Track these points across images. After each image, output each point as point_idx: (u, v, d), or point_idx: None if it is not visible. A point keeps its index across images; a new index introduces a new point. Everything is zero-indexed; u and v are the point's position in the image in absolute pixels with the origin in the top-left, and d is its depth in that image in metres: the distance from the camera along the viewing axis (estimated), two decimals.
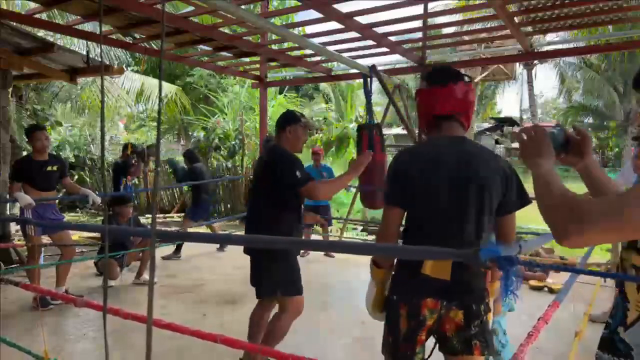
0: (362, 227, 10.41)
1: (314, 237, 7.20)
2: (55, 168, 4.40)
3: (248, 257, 3.23)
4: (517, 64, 14.60)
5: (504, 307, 2.55)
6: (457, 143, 1.73)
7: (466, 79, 1.76)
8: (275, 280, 2.79)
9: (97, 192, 4.90)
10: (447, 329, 1.65)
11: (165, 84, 11.75)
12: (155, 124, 16.14)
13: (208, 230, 7.39)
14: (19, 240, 6.23)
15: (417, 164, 1.73)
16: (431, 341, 1.74)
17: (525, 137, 1.17)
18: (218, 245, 6.92)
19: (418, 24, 5.03)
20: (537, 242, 2.29)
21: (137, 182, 10.25)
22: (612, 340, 1.60)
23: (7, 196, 4.54)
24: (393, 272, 1.80)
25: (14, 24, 4.60)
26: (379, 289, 1.82)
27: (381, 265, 1.82)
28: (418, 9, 4.90)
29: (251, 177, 3.19)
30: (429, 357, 1.72)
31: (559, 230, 0.93)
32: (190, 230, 6.82)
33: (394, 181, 1.76)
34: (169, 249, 6.65)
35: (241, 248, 2.94)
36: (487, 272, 1.76)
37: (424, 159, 1.73)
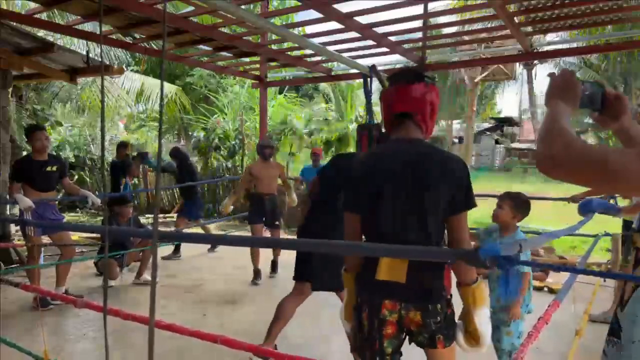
0: None
1: None
2: (55, 168, 4.40)
3: (248, 257, 3.26)
4: (517, 64, 14.61)
5: (522, 310, 2.65)
6: (406, 144, 1.75)
7: (427, 80, 1.77)
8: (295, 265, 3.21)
9: (97, 193, 4.90)
10: (410, 327, 1.72)
11: (165, 84, 11.75)
12: (155, 123, 16.14)
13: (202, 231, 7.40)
14: (19, 240, 6.23)
15: (367, 167, 1.78)
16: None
17: (557, 77, 1.14)
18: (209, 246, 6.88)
19: (418, 24, 5.03)
20: (537, 241, 2.30)
21: (137, 182, 10.25)
22: (612, 324, 1.65)
23: (7, 197, 4.53)
24: (357, 274, 1.84)
25: (14, 24, 4.60)
26: (349, 296, 1.88)
27: (349, 269, 1.87)
28: (418, 9, 4.90)
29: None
30: (397, 347, 1.77)
31: (545, 154, 0.92)
32: (186, 229, 6.85)
33: (348, 186, 1.84)
34: (169, 249, 6.65)
35: (240, 248, 2.94)
36: (447, 272, 1.77)
37: (373, 162, 1.79)
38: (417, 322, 1.69)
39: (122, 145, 7.02)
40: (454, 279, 1.79)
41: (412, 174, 1.69)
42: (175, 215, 10.57)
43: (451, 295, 1.80)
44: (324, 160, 7.98)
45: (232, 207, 5.74)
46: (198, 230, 7.23)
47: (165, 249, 6.63)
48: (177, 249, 6.58)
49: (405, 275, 1.66)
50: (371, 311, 1.72)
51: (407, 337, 1.78)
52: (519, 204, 2.71)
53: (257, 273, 5.42)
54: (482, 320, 1.72)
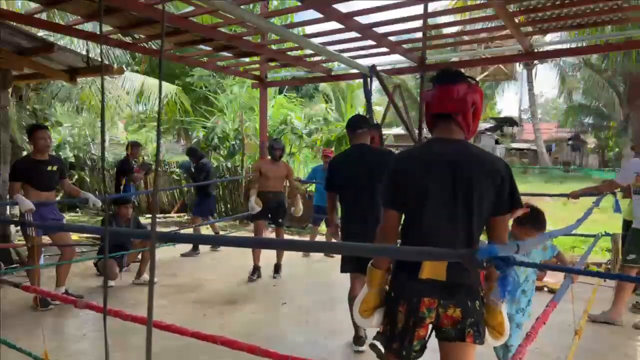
0: None
1: (318, 237, 7.22)
2: (55, 168, 4.40)
3: (248, 258, 3.26)
4: (517, 64, 14.60)
5: (519, 318, 2.65)
6: (449, 144, 1.77)
7: (470, 80, 1.79)
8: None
9: (96, 193, 4.90)
10: (444, 324, 1.73)
11: (165, 84, 11.74)
12: (155, 123, 16.14)
13: (209, 229, 7.44)
14: (19, 241, 6.23)
15: (410, 166, 1.80)
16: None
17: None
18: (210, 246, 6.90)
19: (418, 24, 5.02)
20: (535, 242, 2.30)
21: (138, 187, 10.28)
22: None
23: (8, 197, 4.51)
24: (391, 274, 1.86)
25: (14, 24, 4.59)
26: (373, 292, 1.87)
27: (379, 266, 1.86)
28: (418, 9, 4.90)
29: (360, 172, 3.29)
30: (424, 345, 1.80)
31: None
32: (183, 230, 6.93)
33: (389, 184, 1.82)
34: (170, 248, 6.65)
35: (241, 248, 2.94)
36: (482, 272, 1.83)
37: (416, 162, 1.80)
38: (455, 319, 1.71)
39: (136, 145, 7.21)
40: None
41: (456, 174, 1.71)
42: (175, 215, 10.61)
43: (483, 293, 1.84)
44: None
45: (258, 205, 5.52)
46: (205, 228, 7.29)
47: (168, 249, 6.64)
48: (195, 247, 6.66)
49: (445, 273, 1.69)
50: (409, 309, 1.73)
51: (434, 332, 1.80)
52: (531, 223, 2.57)
53: (255, 269, 5.48)
54: (505, 314, 1.79)
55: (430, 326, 1.76)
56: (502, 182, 1.72)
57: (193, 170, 7.02)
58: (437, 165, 1.74)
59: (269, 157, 5.64)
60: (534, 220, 2.57)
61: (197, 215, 7.01)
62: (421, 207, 1.74)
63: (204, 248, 6.89)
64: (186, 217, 10.07)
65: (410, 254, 1.57)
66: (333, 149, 12.37)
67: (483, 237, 1.87)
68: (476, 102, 1.78)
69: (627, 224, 4.60)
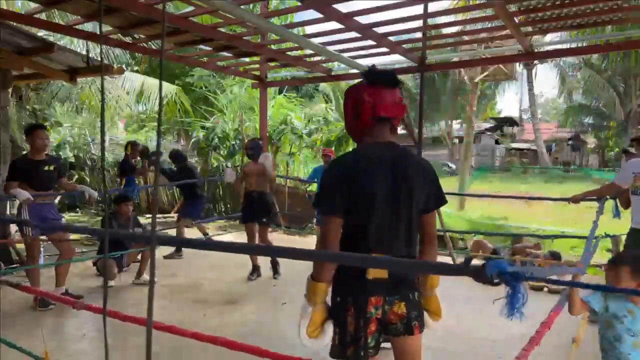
0: None
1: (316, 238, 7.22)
2: (52, 167, 4.39)
3: (248, 258, 3.25)
4: (517, 64, 14.60)
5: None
6: (389, 148, 1.84)
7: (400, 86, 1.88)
8: None
9: (96, 192, 4.90)
10: (391, 319, 1.81)
11: (165, 84, 11.74)
12: (155, 124, 16.14)
13: (209, 229, 7.43)
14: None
15: (354, 171, 1.78)
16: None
17: None
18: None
19: (418, 24, 5.02)
20: (549, 272, 2.26)
21: (140, 182, 10.25)
22: None
23: (3, 193, 4.49)
24: (334, 280, 1.83)
25: (14, 24, 4.59)
26: (318, 307, 1.80)
27: (323, 279, 1.79)
28: (418, 9, 4.89)
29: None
30: (378, 340, 1.84)
31: None
32: (188, 229, 6.91)
33: (332, 190, 1.79)
34: (169, 249, 6.66)
35: None
36: None
37: (360, 166, 1.79)
38: (400, 314, 1.79)
39: (135, 144, 7.20)
40: None
41: (398, 175, 1.78)
42: (175, 215, 10.61)
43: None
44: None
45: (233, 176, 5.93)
46: (194, 229, 7.28)
47: (166, 248, 6.64)
48: (179, 248, 6.61)
49: (387, 272, 1.77)
50: (357, 310, 1.77)
51: (384, 329, 1.85)
52: (632, 260, 2.16)
53: (254, 269, 5.55)
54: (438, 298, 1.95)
55: (379, 321, 1.80)
56: (432, 181, 1.86)
57: (174, 172, 6.91)
58: (378, 168, 1.77)
59: (248, 157, 5.74)
60: None
61: (185, 217, 6.87)
62: (368, 211, 1.76)
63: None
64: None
65: (418, 267, 1.67)
66: (333, 148, 12.39)
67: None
68: (405, 106, 1.93)
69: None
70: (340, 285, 1.83)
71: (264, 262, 5.62)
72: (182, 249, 6.62)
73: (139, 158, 7.39)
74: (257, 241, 5.66)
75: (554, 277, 2.31)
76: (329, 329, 1.83)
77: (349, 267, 1.80)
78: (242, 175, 5.76)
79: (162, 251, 6.57)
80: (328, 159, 6.90)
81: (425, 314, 1.92)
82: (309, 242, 7.64)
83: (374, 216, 1.76)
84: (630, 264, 2.13)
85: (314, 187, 7.67)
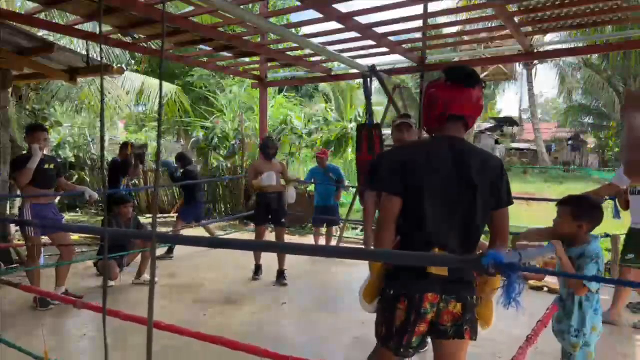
0: (361, 228, 10.40)
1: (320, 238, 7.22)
2: (52, 166, 4.41)
3: (248, 257, 3.22)
4: (517, 64, 14.61)
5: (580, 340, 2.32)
6: (456, 142, 1.83)
7: (483, 84, 1.85)
8: None
9: (97, 192, 4.90)
10: (444, 320, 1.75)
11: (165, 84, 11.73)
12: (155, 124, 16.14)
13: (204, 232, 7.42)
14: (19, 240, 6.23)
15: (418, 158, 1.81)
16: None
17: (630, 94, 1.39)
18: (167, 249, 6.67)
19: (418, 24, 5.02)
20: (537, 253, 2.29)
21: (137, 182, 10.25)
22: None
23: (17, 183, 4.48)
24: (389, 271, 1.85)
25: (14, 24, 4.59)
26: (373, 280, 1.89)
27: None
28: (418, 9, 4.90)
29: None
30: (422, 341, 1.83)
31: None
32: (182, 231, 6.90)
33: (394, 170, 1.82)
34: (163, 248, 6.65)
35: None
36: None
37: (424, 155, 1.82)
38: (455, 314, 1.74)
39: (124, 146, 7.09)
40: None
41: (460, 170, 1.77)
42: (175, 215, 10.60)
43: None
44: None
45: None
46: (201, 231, 7.28)
47: (162, 249, 6.65)
48: (170, 250, 6.60)
49: (447, 269, 1.72)
50: (411, 304, 1.73)
51: (431, 330, 1.81)
52: (581, 211, 2.28)
53: (258, 269, 5.52)
54: (494, 304, 1.84)
55: (430, 322, 1.77)
56: (501, 178, 1.82)
57: (178, 175, 6.91)
58: (443, 160, 1.78)
59: (263, 156, 5.52)
60: (588, 209, 2.30)
61: (182, 219, 6.87)
62: (425, 202, 1.75)
63: (202, 249, 6.87)
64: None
65: (419, 259, 1.59)
66: (332, 149, 12.39)
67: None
68: (482, 106, 1.87)
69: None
70: (397, 277, 1.80)
71: (264, 263, 5.61)
72: (174, 250, 6.61)
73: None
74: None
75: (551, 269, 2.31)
76: (376, 303, 1.90)
77: None
78: (253, 174, 5.48)
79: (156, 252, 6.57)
80: (321, 160, 6.91)
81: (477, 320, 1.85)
82: (309, 242, 7.63)
83: (431, 208, 1.75)
84: (573, 207, 2.30)
85: (312, 188, 7.67)
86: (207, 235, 7.34)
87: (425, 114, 1.91)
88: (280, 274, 5.34)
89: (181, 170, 6.89)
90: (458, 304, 1.73)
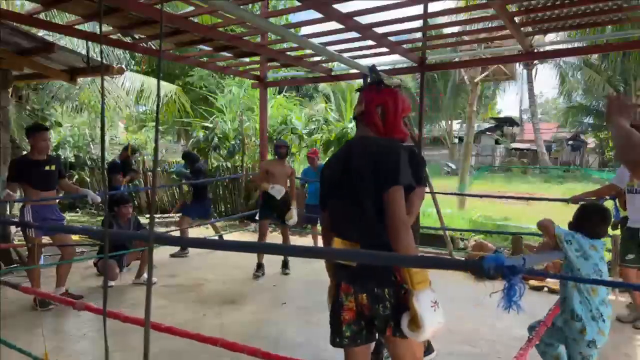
0: None
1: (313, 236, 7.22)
2: (53, 167, 4.39)
3: (247, 258, 3.21)
4: (517, 64, 14.60)
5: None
6: (352, 141, 2.01)
7: (380, 86, 1.98)
8: None
9: (97, 192, 4.90)
10: (364, 311, 1.80)
11: (164, 84, 11.72)
12: (155, 124, 16.12)
13: (209, 229, 7.44)
14: (19, 241, 6.22)
15: (328, 167, 2.05)
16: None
17: (614, 99, 1.54)
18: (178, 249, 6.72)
19: (418, 24, 5.02)
20: (542, 258, 2.32)
21: (137, 183, 10.26)
22: None
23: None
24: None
25: (14, 24, 4.59)
26: (332, 281, 2.02)
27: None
28: (418, 9, 4.89)
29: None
30: (357, 331, 1.84)
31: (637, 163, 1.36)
32: (191, 228, 6.92)
33: (321, 186, 2.07)
34: (169, 248, 6.66)
35: None
36: None
37: (329, 163, 2.06)
38: (367, 306, 1.77)
39: (125, 148, 7.20)
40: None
41: (346, 167, 1.88)
42: (175, 215, 10.60)
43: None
44: (323, 160, 7.96)
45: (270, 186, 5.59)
46: (202, 230, 7.29)
47: (169, 248, 6.66)
48: (184, 247, 6.67)
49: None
50: (334, 294, 1.91)
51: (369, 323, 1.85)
52: (578, 219, 2.49)
53: (259, 266, 5.61)
54: (423, 303, 1.63)
55: (357, 314, 1.81)
56: (380, 160, 1.78)
57: (190, 174, 7.02)
58: (337, 161, 1.98)
59: (275, 156, 5.70)
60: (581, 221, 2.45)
61: (188, 215, 6.93)
62: (326, 202, 2.01)
63: (202, 249, 6.88)
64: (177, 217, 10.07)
65: (420, 262, 1.59)
66: (333, 149, 12.38)
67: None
68: (383, 103, 1.94)
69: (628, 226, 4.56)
70: (328, 268, 2.01)
71: (266, 261, 5.63)
72: (188, 248, 6.67)
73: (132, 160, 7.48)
74: (265, 240, 5.84)
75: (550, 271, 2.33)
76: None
77: None
78: (265, 173, 5.60)
79: (169, 250, 6.61)
80: (312, 160, 7.01)
81: (406, 318, 1.68)
82: (308, 242, 7.63)
83: (331, 204, 1.97)
84: (582, 223, 2.46)
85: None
86: (211, 232, 7.38)
87: (385, 120, 2.05)
88: (285, 264, 5.71)
89: (190, 169, 6.99)
90: (363, 295, 1.76)
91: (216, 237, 6.98)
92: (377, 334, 1.88)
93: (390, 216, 1.70)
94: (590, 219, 2.45)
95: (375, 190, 1.76)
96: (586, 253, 2.34)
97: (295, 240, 8.29)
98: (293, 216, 5.61)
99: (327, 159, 2.28)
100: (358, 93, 2.07)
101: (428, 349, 3.27)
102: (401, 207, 1.71)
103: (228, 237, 7.49)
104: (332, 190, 1.95)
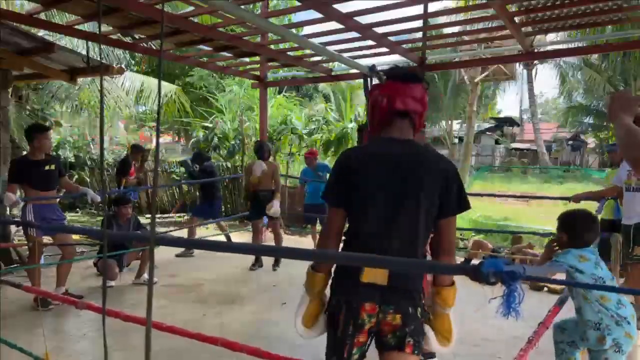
0: None
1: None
2: (54, 167, 4.39)
3: (247, 257, 3.20)
4: (517, 64, 14.60)
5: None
6: (399, 144, 1.74)
7: (425, 84, 1.79)
8: None
9: (97, 192, 4.90)
10: (385, 331, 1.67)
11: (164, 84, 11.71)
12: (155, 124, 16.13)
13: (209, 229, 7.44)
14: (19, 240, 6.23)
15: (359, 165, 1.73)
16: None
17: (617, 96, 1.51)
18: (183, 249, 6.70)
19: (418, 24, 5.02)
20: (546, 270, 2.30)
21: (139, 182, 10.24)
22: None
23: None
24: (332, 279, 1.80)
25: (14, 24, 4.59)
26: (314, 298, 1.84)
27: (320, 269, 1.80)
28: (418, 9, 4.90)
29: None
30: (363, 353, 1.74)
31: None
32: (197, 228, 6.95)
33: (337, 181, 1.76)
34: (170, 248, 6.65)
35: None
36: (425, 275, 1.79)
37: (364, 160, 1.73)
38: (395, 325, 1.65)
39: (134, 147, 7.27)
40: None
41: (405, 174, 1.67)
42: (175, 215, 10.60)
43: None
44: (322, 159, 7.97)
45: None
46: (210, 228, 7.32)
47: (171, 248, 6.65)
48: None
49: (387, 278, 1.63)
50: (348, 314, 1.67)
51: (374, 338, 1.74)
52: (562, 223, 2.44)
53: (257, 260, 5.87)
54: (452, 319, 1.74)
55: (370, 333, 1.70)
56: (449, 182, 1.68)
57: (196, 172, 7.03)
58: (386, 164, 1.69)
59: (258, 157, 5.88)
60: (566, 224, 2.41)
61: (196, 215, 7.02)
62: (363, 208, 1.70)
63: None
64: (185, 217, 10.06)
65: (421, 267, 1.54)
66: (333, 149, 12.38)
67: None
68: (426, 104, 1.79)
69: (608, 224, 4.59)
70: (337, 285, 1.75)
71: (264, 259, 5.73)
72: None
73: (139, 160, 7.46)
74: (263, 236, 6.14)
75: (549, 276, 2.33)
76: (322, 322, 1.83)
77: (346, 267, 1.71)
78: (249, 174, 5.86)
79: (168, 250, 6.60)
80: (309, 160, 7.01)
81: (432, 335, 1.74)
82: (308, 242, 7.63)
83: (370, 215, 1.68)
84: (559, 219, 2.44)
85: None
86: (211, 233, 7.38)
87: (370, 117, 1.84)
88: (276, 261, 5.97)
89: (197, 166, 6.99)
90: (397, 315, 1.64)
91: (222, 237, 7.01)
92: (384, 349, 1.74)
93: (445, 242, 1.72)
94: (574, 227, 2.38)
95: (434, 212, 1.69)
96: (578, 268, 2.28)
97: (295, 240, 8.29)
98: (274, 206, 5.74)
99: (340, 153, 1.92)
100: (412, 85, 1.75)
101: (429, 352, 3.27)
102: (454, 234, 1.77)
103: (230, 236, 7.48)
104: (370, 197, 1.69)
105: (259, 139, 6.76)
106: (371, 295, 1.64)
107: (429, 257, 1.99)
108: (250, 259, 5.72)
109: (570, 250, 2.34)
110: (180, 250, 6.67)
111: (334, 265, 1.78)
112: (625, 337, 2.18)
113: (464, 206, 1.72)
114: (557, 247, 2.47)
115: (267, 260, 5.93)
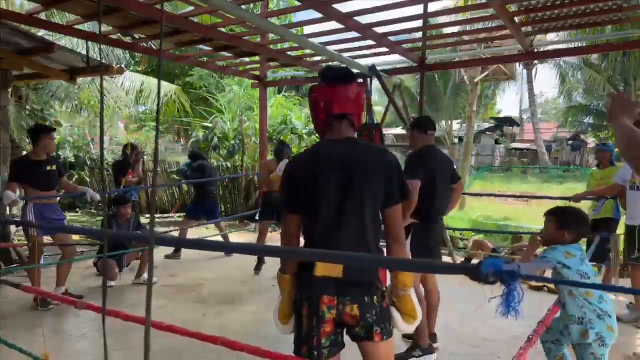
0: None
1: None
2: (54, 167, 4.40)
3: (247, 257, 3.15)
4: (517, 64, 14.60)
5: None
6: (340, 144, 1.81)
7: (360, 80, 1.84)
8: None
9: (97, 192, 4.90)
10: (347, 321, 1.76)
11: (164, 84, 11.71)
12: (155, 124, 16.12)
13: (209, 230, 7.42)
14: (19, 240, 6.23)
15: (303, 169, 1.82)
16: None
17: (617, 98, 1.50)
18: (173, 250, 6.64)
19: (418, 24, 5.02)
20: (535, 266, 2.32)
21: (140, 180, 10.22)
22: None
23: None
24: (296, 272, 1.87)
25: (14, 24, 4.59)
26: (284, 298, 1.91)
27: (285, 271, 1.88)
28: (418, 9, 4.90)
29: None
30: (335, 341, 1.81)
31: None
32: (191, 229, 6.90)
33: (289, 189, 1.85)
34: (169, 248, 6.65)
35: None
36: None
37: (309, 164, 1.82)
38: (354, 316, 1.73)
39: (126, 147, 7.16)
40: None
41: (348, 172, 1.75)
42: (175, 215, 10.59)
43: (386, 288, 1.88)
44: None
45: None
46: (210, 228, 7.28)
47: (167, 248, 6.64)
48: (178, 249, 6.59)
49: (342, 271, 1.70)
50: (310, 308, 1.75)
51: (346, 330, 1.82)
52: (565, 221, 2.42)
53: (260, 262, 5.75)
54: (414, 298, 1.83)
55: (336, 324, 1.77)
56: (392, 174, 1.78)
57: (188, 172, 6.98)
58: (329, 165, 1.77)
59: (275, 158, 5.69)
60: (572, 220, 2.42)
61: (189, 215, 6.85)
62: (314, 209, 1.78)
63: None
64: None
65: (422, 267, 1.56)
66: None
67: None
68: (363, 100, 1.86)
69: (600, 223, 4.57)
70: (300, 282, 1.84)
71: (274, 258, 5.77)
72: (182, 250, 6.60)
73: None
74: (265, 240, 6.00)
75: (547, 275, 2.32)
76: (292, 323, 1.92)
77: (304, 264, 1.79)
78: (267, 174, 5.68)
79: (162, 251, 6.57)
80: None
81: (398, 316, 1.83)
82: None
83: (320, 215, 1.77)
84: (558, 216, 2.44)
85: None
86: (210, 233, 7.36)
87: (313, 119, 1.91)
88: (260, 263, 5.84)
89: (193, 163, 6.91)
90: (354, 305, 1.72)
91: (220, 237, 6.95)
92: (355, 340, 1.84)
93: (392, 231, 1.81)
94: (564, 224, 2.40)
95: (382, 202, 1.78)
96: (565, 264, 2.31)
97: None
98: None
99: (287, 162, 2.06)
100: (346, 87, 1.82)
101: (429, 348, 3.27)
102: (401, 222, 1.84)
103: (228, 237, 7.48)
104: (319, 198, 1.77)
105: (280, 139, 6.62)
106: (328, 288, 1.73)
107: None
108: (250, 259, 5.71)
109: (557, 247, 2.38)
110: (170, 251, 6.61)
111: (295, 264, 1.86)
112: (608, 331, 2.25)
113: (406, 195, 1.83)
114: (540, 242, 2.54)
115: (270, 261, 5.91)
